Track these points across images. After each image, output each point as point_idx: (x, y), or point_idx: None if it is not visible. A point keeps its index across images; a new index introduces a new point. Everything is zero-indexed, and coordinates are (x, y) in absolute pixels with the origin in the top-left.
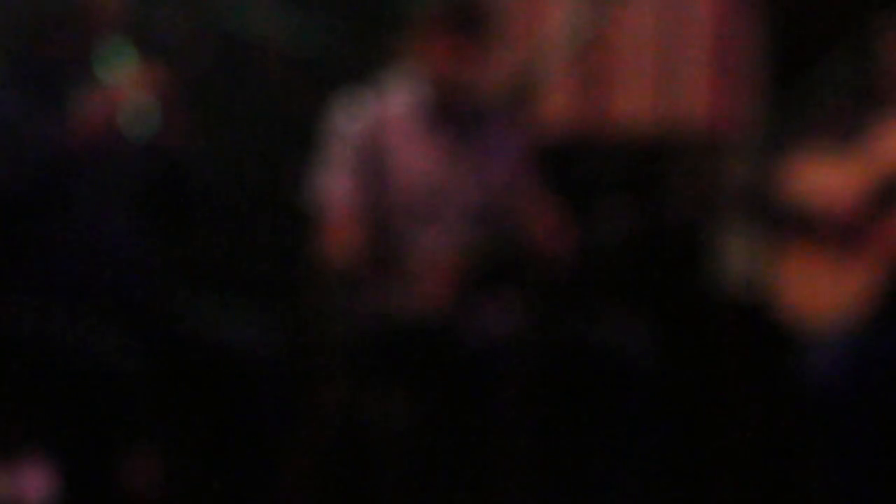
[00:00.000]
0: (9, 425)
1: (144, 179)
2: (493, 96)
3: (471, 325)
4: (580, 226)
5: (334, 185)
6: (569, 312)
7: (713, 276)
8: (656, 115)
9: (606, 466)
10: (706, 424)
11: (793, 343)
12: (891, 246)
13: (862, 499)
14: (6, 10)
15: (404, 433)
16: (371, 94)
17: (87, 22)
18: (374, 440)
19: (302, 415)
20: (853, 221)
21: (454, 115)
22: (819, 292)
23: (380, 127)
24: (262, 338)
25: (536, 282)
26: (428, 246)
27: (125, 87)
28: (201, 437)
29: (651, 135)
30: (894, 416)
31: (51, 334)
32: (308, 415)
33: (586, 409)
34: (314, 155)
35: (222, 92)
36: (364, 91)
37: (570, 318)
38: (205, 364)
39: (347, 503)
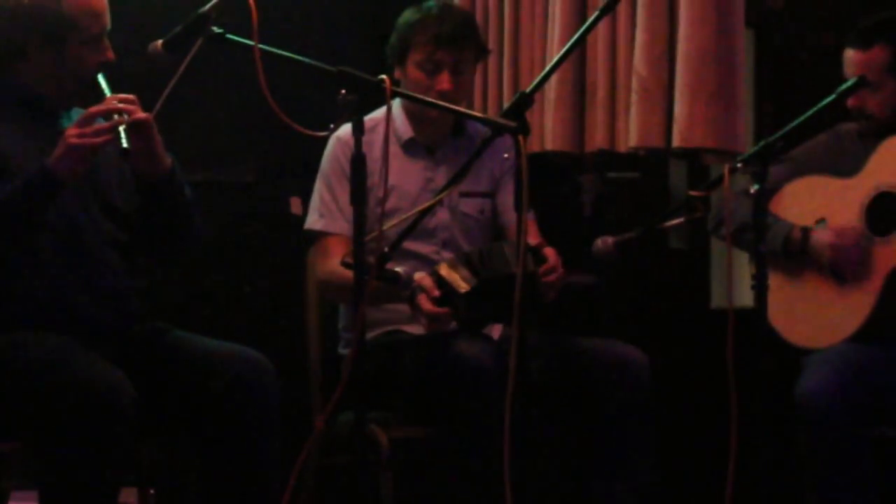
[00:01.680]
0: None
1: (133, 200)
2: (482, 114)
3: (468, 338)
4: (582, 240)
5: (329, 203)
6: (566, 324)
7: (712, 290)
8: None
9: (606, 475)
10: (705, 432)
11: (788, 357)
12: (883, 267)
13: None
14: None
15: (407, 447)
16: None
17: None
18: (377, 454)
19: (299, 433)
20: (846, 244)
21: (436, 130)
22: (811, 313)
23: (368, 145)
24: (259, 357)
25: (531, 295)
26: (419, 263)
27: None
28: (195, 460)
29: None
30: (879, 430)
31: (40, 358)
32: (306, 433)
33: (585, 419)
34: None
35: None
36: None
37: (567, 329)
38: (200, 384)
39: None
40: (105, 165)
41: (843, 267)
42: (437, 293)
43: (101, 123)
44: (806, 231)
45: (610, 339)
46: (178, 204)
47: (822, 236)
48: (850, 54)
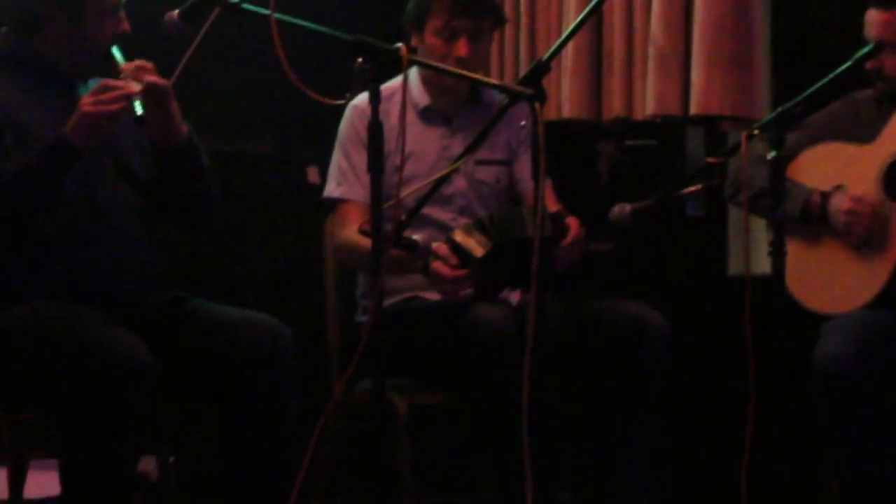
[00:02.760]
0: (19, 423)
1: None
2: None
3: (486, 304)
4: (599, 207)
5: (347, 171)
6: (582, 291)
7: (729, 258)
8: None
9: (624, 441)
10: (723, 399)
11: (806, 324)
12: None
13: (868, 473)
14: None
15: (425, 414)
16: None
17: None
18: (395, 421)
19: (318, 401)
20: (862, 211)
21: (452, 98)
22: (829, 280)
23: (384, 113)
24: (278, 325)
25: (548, 261)
26: (437, 230)
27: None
28: (214, 428)
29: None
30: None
31: (59, 327)
32: (324, 400)
33: (604, 381)
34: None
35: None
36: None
37: (585, 295)
38: (218, 352)
39: (366, 487)
40: (123, 133)
41: (855, 234)
42: (454, 261)
43: (116, 91)
44: (826, 196)
45: (629, 301)
46: (196, 171)
47: (839, 202)
48: (872, 15)
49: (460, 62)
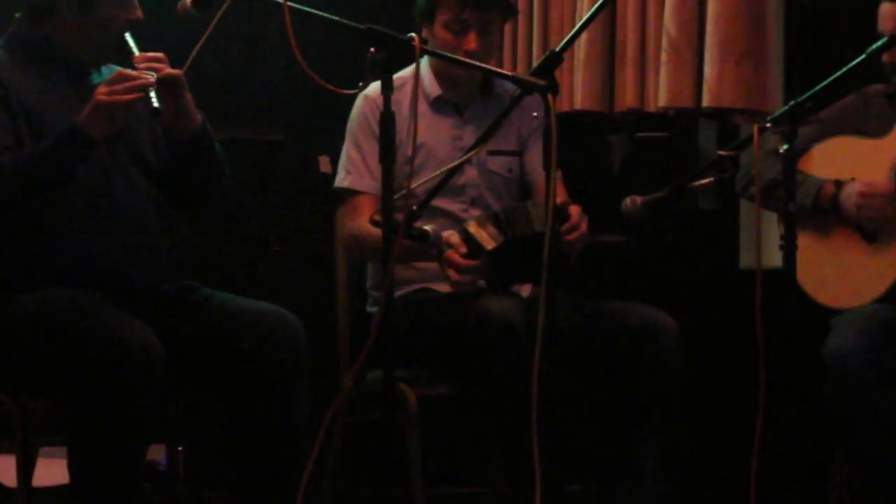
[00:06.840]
0: (29, 410)
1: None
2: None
3: (497, 296)
4: (610, 199)
5: (357, 161)
6: (593, 284)
7: (740, 250)
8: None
9: (633, 435)
10: (733, 393)
11: (817, 317)
12: None
13: (878, 467)
14: None
15: (434, 405)
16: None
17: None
18: (405, 412)
19: (327, 392)
20: (876, 193)
21: (464, 89)
22: (840, 274)
23: (396, 104)
24: (288, 315)
25: (556, 256)
26: (448, 220)
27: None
28: (224, 418)
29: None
30: None
31: (69, 315)
32: (334, 391)
33: (613, 381)
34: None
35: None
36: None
37: (595, 288)
38: (229, 342)
39: (375, 478)
40: (137, 122)
41: (870, 217)
42: (464, 249)
43: (132, 82)
44: (839, 184)
45: (639, 303)
46: (209, 161)
47: (851, 188)
48: (885, 8)
49: (469, 55)
